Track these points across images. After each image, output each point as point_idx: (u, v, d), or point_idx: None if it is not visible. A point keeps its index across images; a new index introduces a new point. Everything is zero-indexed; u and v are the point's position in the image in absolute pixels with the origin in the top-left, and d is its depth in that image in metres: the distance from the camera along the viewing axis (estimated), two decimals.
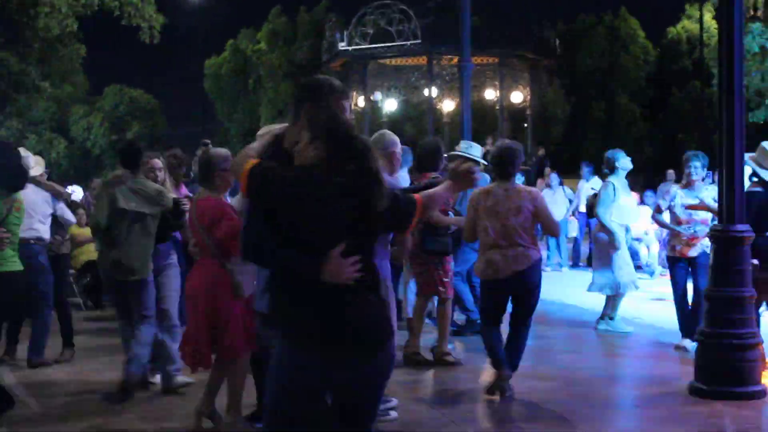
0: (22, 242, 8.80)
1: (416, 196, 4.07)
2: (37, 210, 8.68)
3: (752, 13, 25.05)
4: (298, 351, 3.76)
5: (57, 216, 9.05)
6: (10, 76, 18.47)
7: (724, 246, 7.08)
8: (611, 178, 10.39)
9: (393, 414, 6.44)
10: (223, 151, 6.69)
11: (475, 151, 9.75)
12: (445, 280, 8.47)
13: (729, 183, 7.06)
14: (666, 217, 9.48)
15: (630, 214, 10.52)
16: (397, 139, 7.28)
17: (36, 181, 8.70)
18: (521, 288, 7.22)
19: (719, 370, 6.99)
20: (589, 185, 17.43)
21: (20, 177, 6.61)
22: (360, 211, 3.77)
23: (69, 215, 9.48)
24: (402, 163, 8.06)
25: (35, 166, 8.81)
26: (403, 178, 8.16)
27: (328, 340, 3.71)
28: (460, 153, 9.61)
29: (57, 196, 9.09)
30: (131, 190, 7.30)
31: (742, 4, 7.21)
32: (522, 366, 7.35)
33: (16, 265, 6.47)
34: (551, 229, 7.78)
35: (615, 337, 9.96)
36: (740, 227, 7.04)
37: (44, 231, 8.78)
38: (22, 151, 9.12)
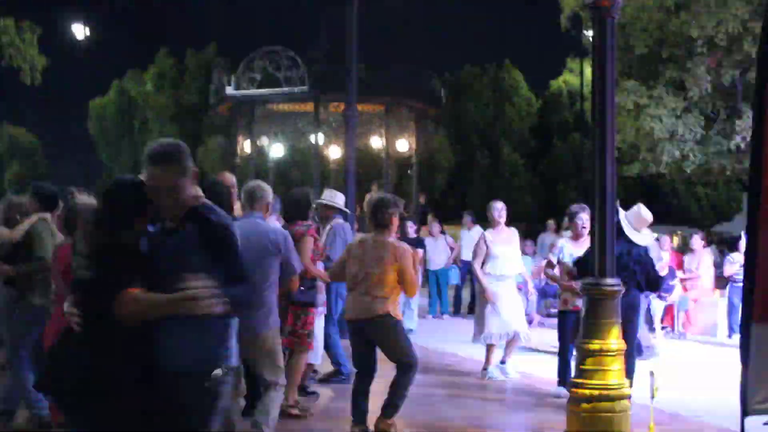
0: None
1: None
2: None
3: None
4: None
5: None
6: None
7: (596, 299, 7.25)
8: (488, 230, 10.63)
9: None
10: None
11: (339, 199, 10.06)
12: (302, 332, 8.40)
13: (601, 236, 7.25)
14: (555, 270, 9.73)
15: (507, 265, 10.70)
16: (268, 188, 7.31)
17: None
18: (373, 335, 7.37)
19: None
20: (471, 234, 17.72)
21: None
22: None
23: None
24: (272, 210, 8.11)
25: None
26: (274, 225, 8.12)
27: None
28: (324, 202, 9.88)
29: None
30: None
31: (614, 62, 7.46)
32: (399, 415, 7.40)
33: None
34: (407, 287, 7.74)
35: (494, 385, 10.10)
36: (611, 281, 7.23)
37: None
38: None
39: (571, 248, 9.47)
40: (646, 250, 8.83)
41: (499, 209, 10.65)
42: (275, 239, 7.00)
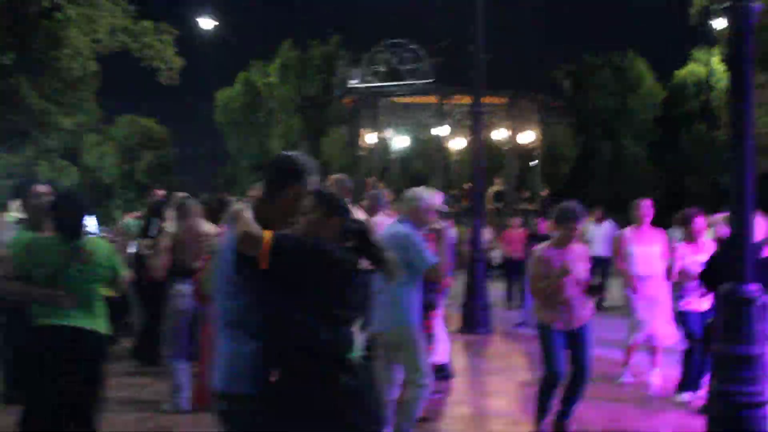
0: None
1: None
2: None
3: None
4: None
5: None
6: (32, 115, 18.77)
7: (734, 305, 7.23)
8: (628, 228, 10.41)
9: None
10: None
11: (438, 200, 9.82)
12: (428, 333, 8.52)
13: (740, 241, 7.18)
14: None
15: (645, 265, 10.42)
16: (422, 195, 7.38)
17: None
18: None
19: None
20: (601, 229, 17.64)
21: (79, 223, 5.76)
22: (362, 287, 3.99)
23: None
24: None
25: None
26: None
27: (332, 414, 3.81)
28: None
29: None
30: None
31: (753, 64, 7.36)
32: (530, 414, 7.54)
33: (91, 323, 5.72)
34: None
35: (629, 388, 10.05)
36: (750, 287, 7.19)
37: None
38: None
39: (687, 253, 9.25)
40: None
41: (648, 206, 10.36)
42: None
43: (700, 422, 7.61)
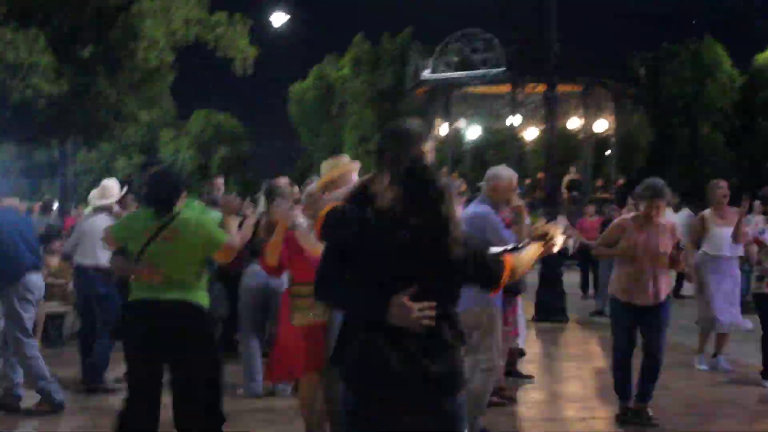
0: (81, 270, 9.18)
1: (507, 257, 3.94)
2: (96, 238, 8.88)
3: None
4: (360, 399, 3.74)
5: None
6: (110, 106, 19.11)
7: None
8: (708, 209, 10.24)
9: None
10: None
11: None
12: (510, 319, 8.48)
13: None
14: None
15: (726, 245, 10.22)
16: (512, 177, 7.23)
17: (102, 210, 9.04)
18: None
19: None
20: (680, 216, 17.36)
21: (166, 200, 5.80)
22: (434, 257, 3.71)
23: None
24: None
25: (105, 195, 9.08)
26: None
27: (388, 386, 3.67)
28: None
29: None
30: None
31: None
32: (603, 396, 7.44)
33: (202, 299, 5.78)
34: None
35: (706, 375, 9.88)
36: None
37: (105, 259, 8.52)
38: (108, 180, 9.49)
39: None
40: None
41: (724, 188, 10.19)
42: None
43: None
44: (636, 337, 7.56)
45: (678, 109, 40.19)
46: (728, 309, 9.93)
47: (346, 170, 6.03)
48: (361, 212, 3.87)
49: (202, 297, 5.75)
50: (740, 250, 9.95)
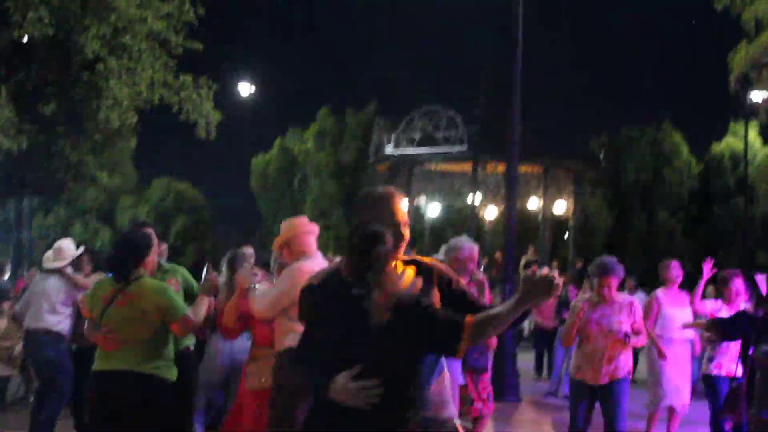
0: (30, 333, 9.00)
1: (467, 318, 3.74)
2: (47, 301, 8.74)
3: None
4: None
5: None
6: (68, 167, 18.97)
7: None
8: (659, 289, 10.27)
9: None
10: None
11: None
12: (484, 396, 8.38)
13: None
14: None
15: (677, 328, 10.25)
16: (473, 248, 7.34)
17: (55, 272, 8.90)
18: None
19: None
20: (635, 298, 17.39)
21: (124, 265, 5.89)
22: (377, 330, 3.62)
23: None
24: None
25: (58, 257, 8.94)
26: None
27: None
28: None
29: (76, 288, 8.86)
30: None
31: None
32: None
33: (159, 370, 5.78)
34: None
35: None
36: None
37: (55, 323, 8.68)
38: (63, 242, 9.35)
39: (725, 313, 9.07)
40: None
41: (677, 267, 10.25)
42: None
43: None
44: (590, 416, 7.49)
45: (637, 193, 40.62)
46: (678, 391, 9.92)
47: (302, 231, 6.05)
48: (328, 287, 3.84)
49: (161, 367, 5.72)
50: (690, 334, 9.99)
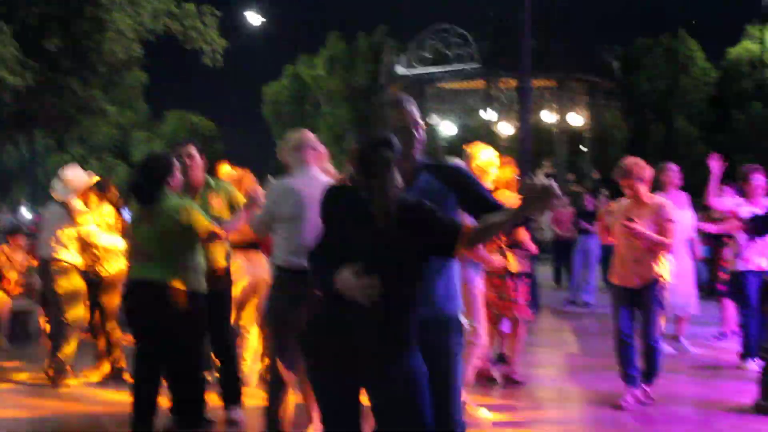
0: (41, 263, 9.09)
1: (465, 223, 3.86)
2: (52, 231, 8.78)
3: None
4: (311, 365, 3.98)
5: None
6: (77, 101, 18.83)
7: None
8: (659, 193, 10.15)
9: None
10: None
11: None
12: (522, 301, 8.35)
13: None
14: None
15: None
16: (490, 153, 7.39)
17: (60, 202, 8.88)
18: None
19: None
20: None
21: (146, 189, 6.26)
22: (381, 231, 3.77)
23: (99, 236, 8.88)
24: None
25: (64, 187, 8.90)
26: None
27: (327, 354, 3.85)
28: None
29: (74, 219, 8.86)
30: None
31: None
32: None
33: (188, 282, 6.16)
34: None
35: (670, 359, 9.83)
36: None
37: (60, 252, 8.72)
38: (69, 170, 9.31)
39: (747, 210, 8.94)
40: None
41: (675, 171, 10.13)
42: None
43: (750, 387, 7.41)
44: (632, 319, 7.46)
45: (652, 103, 40.22)
46: (682, 291, 9.87)
47: (291, 146, 6.05)
48: (340, 189, 4.05)
49: (190, 279, 6.13)
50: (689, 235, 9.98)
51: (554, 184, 3.68)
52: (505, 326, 8.55)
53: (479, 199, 4.19)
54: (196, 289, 6.20)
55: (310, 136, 6.19)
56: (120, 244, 8.73)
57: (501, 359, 9.01)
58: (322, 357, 3.89)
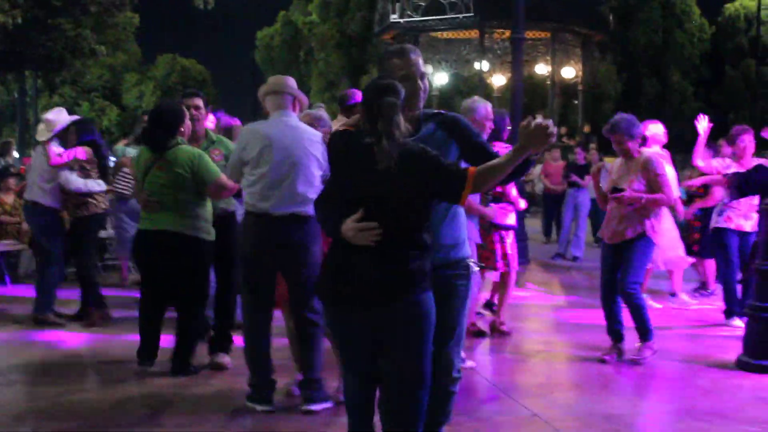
0: (25, 204, 9.16)
1: (470, 168, 3.96)
2: (35, 173, 8.84)
3: None
4: (326, 302, 4.18)
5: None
6: (67, 41, 18.69)
7: None
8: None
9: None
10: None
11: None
12: (509, 252, 8.38)
13: None
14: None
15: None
16: (487, 107, 7.33)
17: (40, 145, 8.85)
18: None
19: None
20: None
21: (159, 137, 6.53)
22: (378, 174, 3.89)
23: (70, 181, 8.78)
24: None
25: (48, 129, 8.85)
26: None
27: (336, 295, 4.05)
28: None
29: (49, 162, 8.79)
30: None
31: None
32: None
33: (197, 231, 6.52)
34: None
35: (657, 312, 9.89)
36: None
37: (39, 195, 8.76)
38: (54, 112, 9.26)
39: (735, 168, 8.94)
40: None
41: (657, 126, 10.07)
42: None
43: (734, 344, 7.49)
44: (614, 275, 7.47)
45: (647, 58, 40.08)
46: (668, 246, 9.88)
47: (264, 90, 5.99)
48: (346, 135, 4.13)
49: (199, 228, 6.50)
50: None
51: (549, 122, 3.82)
52: (495, 276, 8.59)
53: (479, 149, 4.26)
54: (205, 237, 6.52)
55: (290, 81, 6.07)
56: (98, 187, 8.77)
57: (489, 306, 9.09)
58: (335, 298, 4.07)
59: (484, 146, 4.31)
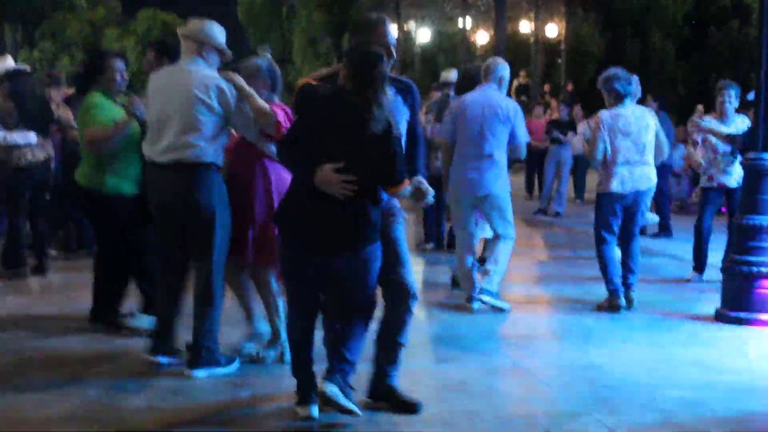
0: None
1: (406, 181, 4.50)
2: None
3: None
4: (284, 242, 4.56)
5: None
6: None
7: (756, 174, 7.10)
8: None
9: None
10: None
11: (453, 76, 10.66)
12: None
13: (765, 111, 7.06)
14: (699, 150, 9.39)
15: None
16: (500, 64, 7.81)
17: None
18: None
19: (744, 298, 7.07)
20: None
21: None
22: (363, 135, 4.32)
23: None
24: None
25: None
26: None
27: (302, 241, 4.45)
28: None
29: None
30: None
31: None
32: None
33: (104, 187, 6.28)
34: None
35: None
36: None
37: None
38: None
39: (717, 125, 8.98)
40: None
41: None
42: (506, 109, 7.52)
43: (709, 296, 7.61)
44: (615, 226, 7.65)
45: (630, 17, 39.94)
46: None
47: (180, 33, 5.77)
48: (325, 90, 4.51)
49: (109, 181, 6.25)
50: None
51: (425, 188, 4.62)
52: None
53: (414, 122, 4.90)
54: (122, 193, 6.24)
55: (205, 28, 5.70)
56: (22, 140, 8.58)
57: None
58: (295, 237, 4.48)
59: (417, 124, 4.96)
